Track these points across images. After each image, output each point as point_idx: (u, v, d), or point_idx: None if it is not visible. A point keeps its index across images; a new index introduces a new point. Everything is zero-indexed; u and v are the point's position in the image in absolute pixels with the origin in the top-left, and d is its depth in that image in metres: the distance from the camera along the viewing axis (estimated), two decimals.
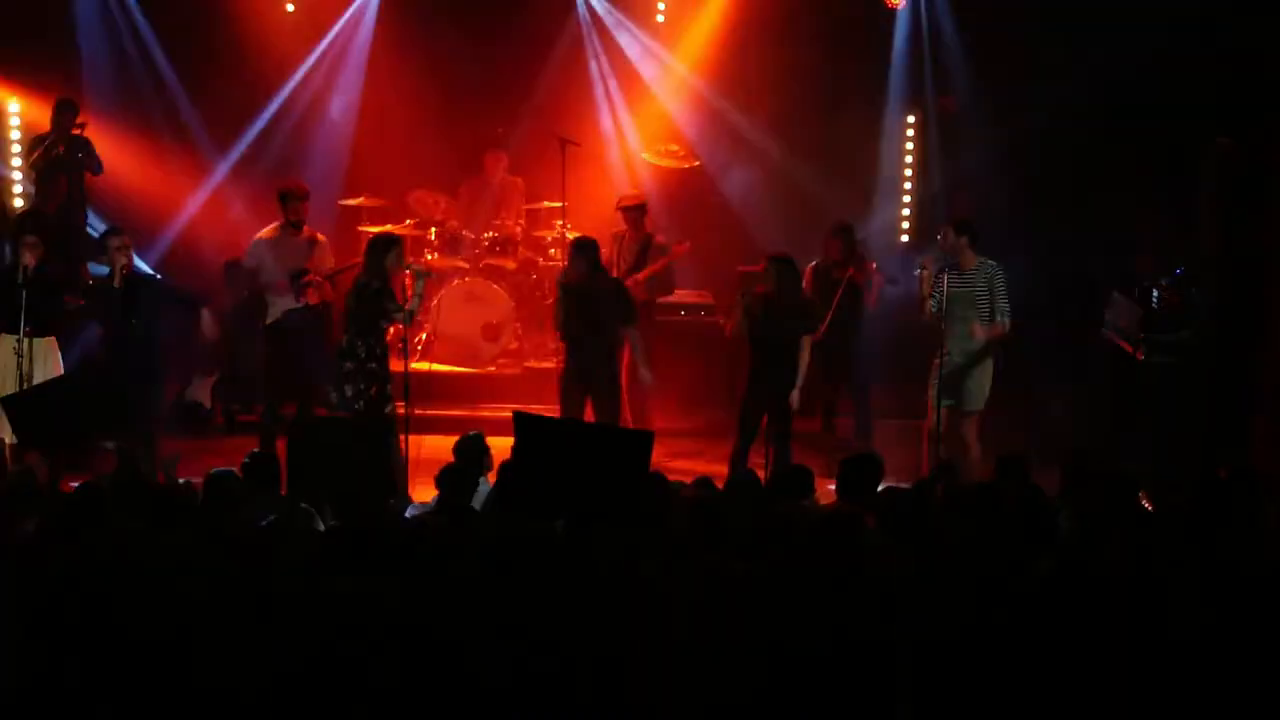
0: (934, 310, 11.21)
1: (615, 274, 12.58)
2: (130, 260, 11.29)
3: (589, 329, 11.35)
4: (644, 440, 7.78)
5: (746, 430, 11.40)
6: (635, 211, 13.13)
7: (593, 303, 11.35)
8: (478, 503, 8.79)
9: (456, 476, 8.82)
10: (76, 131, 14.06)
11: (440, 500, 8.68)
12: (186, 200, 14.64)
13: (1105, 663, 6.23)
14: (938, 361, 11.23)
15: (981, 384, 11.32)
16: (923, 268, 11.38)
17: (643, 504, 7.78)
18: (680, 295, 13.85)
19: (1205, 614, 6.42)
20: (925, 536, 7.63)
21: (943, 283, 11.10)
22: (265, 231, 12.39)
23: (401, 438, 11.08)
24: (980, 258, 11.39)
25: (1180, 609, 6.69)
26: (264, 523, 7.66)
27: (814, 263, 12.88)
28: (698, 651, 6.32)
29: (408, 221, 14.39)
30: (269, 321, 12.32)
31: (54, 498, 8.43)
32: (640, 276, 12.98)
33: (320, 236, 12.44)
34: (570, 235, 14.01)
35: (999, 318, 11.28)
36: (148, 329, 11.26)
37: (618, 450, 7.67)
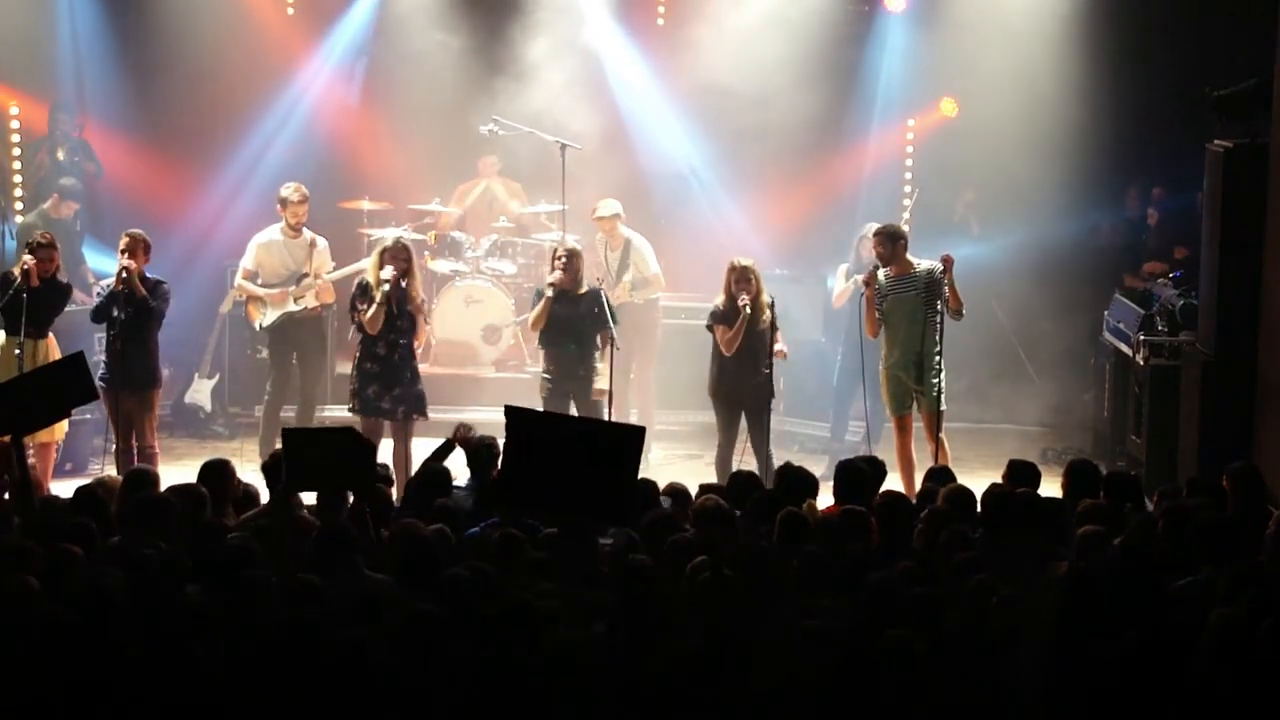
0: (880, 322, 11.21)
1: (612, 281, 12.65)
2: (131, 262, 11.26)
3: (573, 337, 11.41)
4: (635, 436, 7.74)
5: (728, 432, 11.37)
6: (608, 221, 13.06)
7: (574, 310, 11.41)
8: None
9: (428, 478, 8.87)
10: (75, 134, 14.07)
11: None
12: (188, 203, 14.62)
13: (1115, 664, 6.22)
14: (883, 371, 11.27)
15: (935, 385, 11.25)
16: (866, 285, 11.29)
17: (632, 503, 7.75)
18: (680, 297, 13.82)
19: (1213, 614, 6.41)
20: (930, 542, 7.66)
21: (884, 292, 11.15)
22: (264, 234, 12.39)
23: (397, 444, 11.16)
24: (916, 260, 11.35)
25: (1188, 610, 6.70)
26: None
27: (844, 265, 12.84)
28: None
29: (406, 225, 14.39)
30: (268, 324, 12.31)
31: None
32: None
33: (319, 239, 12.43)
34: (570, 239, 14.07)
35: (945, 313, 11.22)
36: (147, 330, 11.25)
37: (608, 447, 7.56)
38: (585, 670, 6.20)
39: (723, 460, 11.40)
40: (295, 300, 12.27)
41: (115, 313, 11.05)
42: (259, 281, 12.31)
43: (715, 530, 7.79)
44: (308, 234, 12.34)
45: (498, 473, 8.08)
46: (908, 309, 11.21)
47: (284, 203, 12.21)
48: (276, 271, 12.31)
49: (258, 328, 12.50)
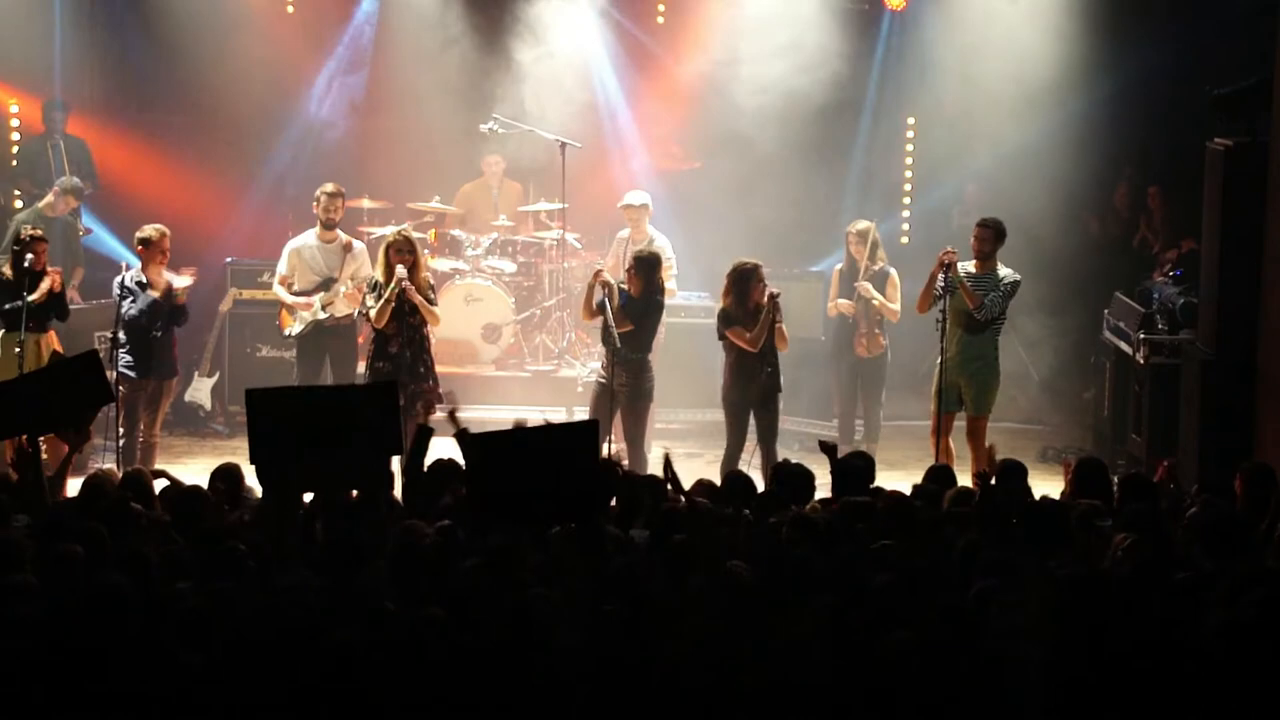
0: (939, 313, 11.11)
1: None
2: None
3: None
4: (588, 431, 7.80)
5: (737, 434, 11.31)
6: (639, 211, 13.08)
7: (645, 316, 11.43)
8: None
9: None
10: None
11: None
12: (187, 201, 14.62)
13: (1118, 666, 6.21)
14: (940, 364, 11.21)
15: (985, 387, 11.25)
16: (942, 265, 11.08)
17: (600, 495, 7.77)
18: (680, 295, 13.81)
19: (1221, 613, 6.41)
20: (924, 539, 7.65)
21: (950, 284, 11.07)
22: (298, 239, 12.34)
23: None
24: (1001, 265, 11.32)
25: (1189, 606, 6.69)
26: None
27: (839, 266, 12.80)
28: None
29: (407, 223, 14.37)
30: (296, 333, 12.27)
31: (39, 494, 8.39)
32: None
33: (356, 243, 12.37)
34: (570, 237, 14.09)
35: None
36: (154, 326, 11.41)
37: (566, 446, 7.59)
38: (582, 672, 6.20)
39: (729, 463, 11.30)
40: (324, 308, 12.19)
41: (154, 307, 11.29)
42: (293, 287, 12.24)
43: (704, 531, 7.79)
44: (343, 237, 12.30)
45: (467, 493, 8.05)
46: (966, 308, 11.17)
47: (318, 204, 12.21)
48: (308, 276, 12.25)
49: (286, 335, 12.46)
